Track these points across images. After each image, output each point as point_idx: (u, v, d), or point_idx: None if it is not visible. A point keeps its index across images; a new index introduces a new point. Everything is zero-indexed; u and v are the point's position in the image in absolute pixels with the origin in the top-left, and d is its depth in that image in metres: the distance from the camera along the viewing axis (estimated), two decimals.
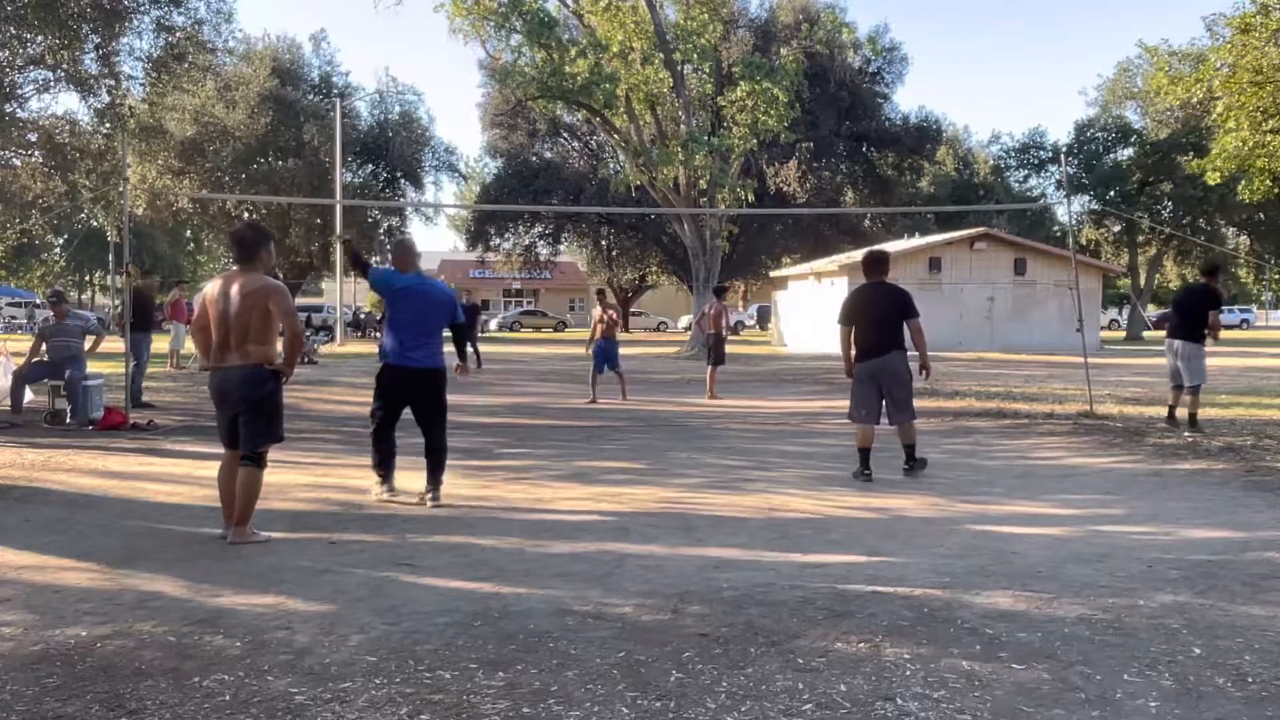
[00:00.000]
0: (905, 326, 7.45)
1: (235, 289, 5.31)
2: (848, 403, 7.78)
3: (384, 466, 6.64)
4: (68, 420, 10.43)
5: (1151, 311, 50.99)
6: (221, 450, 5.66)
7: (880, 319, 7.47)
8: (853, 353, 7.58)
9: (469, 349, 22.40)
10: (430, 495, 6.47)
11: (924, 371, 7.60)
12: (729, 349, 15.70)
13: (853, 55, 39.71)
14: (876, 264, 7.66)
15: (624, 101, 26.91)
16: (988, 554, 5.08)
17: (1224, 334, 11.53)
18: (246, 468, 5.31)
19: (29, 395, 11.08)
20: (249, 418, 5.33)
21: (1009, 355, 26.09)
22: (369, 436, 6.76)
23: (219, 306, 5.33)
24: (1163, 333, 10.83)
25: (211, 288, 5.46)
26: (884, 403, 7.52)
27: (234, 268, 5.50)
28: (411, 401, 6.58)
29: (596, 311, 14.33)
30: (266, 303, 5.30)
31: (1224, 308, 52.09)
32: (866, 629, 3.85)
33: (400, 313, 6.51)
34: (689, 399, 14.44)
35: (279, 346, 5.53)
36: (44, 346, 10.71)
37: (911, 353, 7.50)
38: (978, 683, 3.30)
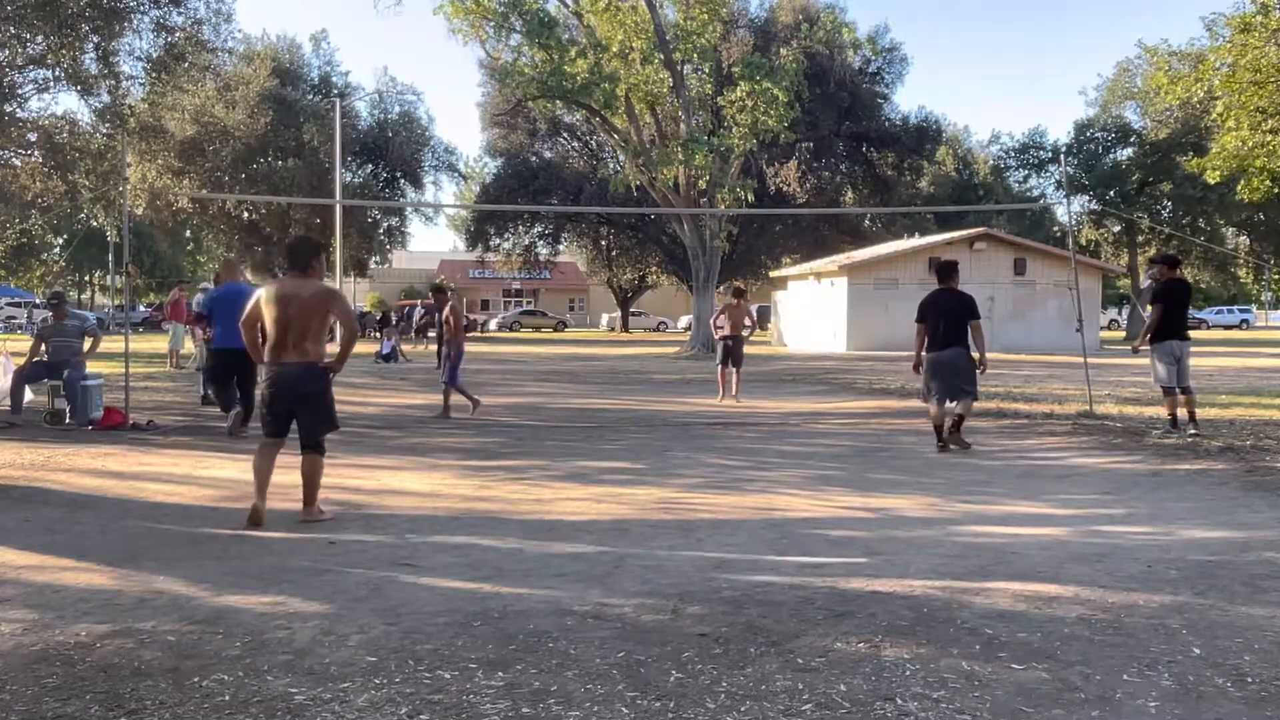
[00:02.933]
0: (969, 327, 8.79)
1: (297, 293, 5.75)
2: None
3: (228, 406, 9.87)
4: (67, 420, 10.43)
5: (1149, 312, 50.88)
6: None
7: (948, 319, 8.80)
8: (923, 347, 8.92)
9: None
10: (237, 425, 9.54)
11: (981, 366, 8.90)
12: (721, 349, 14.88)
13: (853, 55, 39.69)
14: (947, 273, 9.06)
15: (624, 101, 26.90)
16: (988, 554, 5.08)
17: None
18: (310, 455, 5.84)
19: (29, 395, 11.08)
20: (307, 411, 5.84)
21: (1009, 355, 26.07)
22: (214, 398, 10.15)
23: (278, 308, 5.73)
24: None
25: (269, 291, 5.88)
26: (948, 386, 8.80)
27: (287, 274, 5.96)
28: (236, 370, 9.67)
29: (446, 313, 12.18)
30: (328, 305, 5.83)
31: (1224, 308, 51.93)
32: (866, 629, 3.85)
33: (222, 312, 9.67)
34: (689, 399, 14.43)
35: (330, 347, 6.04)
36: (44, 347, 10.70)
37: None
38: (978, 683, 3.30)
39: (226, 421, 9.79)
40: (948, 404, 8.89)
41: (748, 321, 14.21)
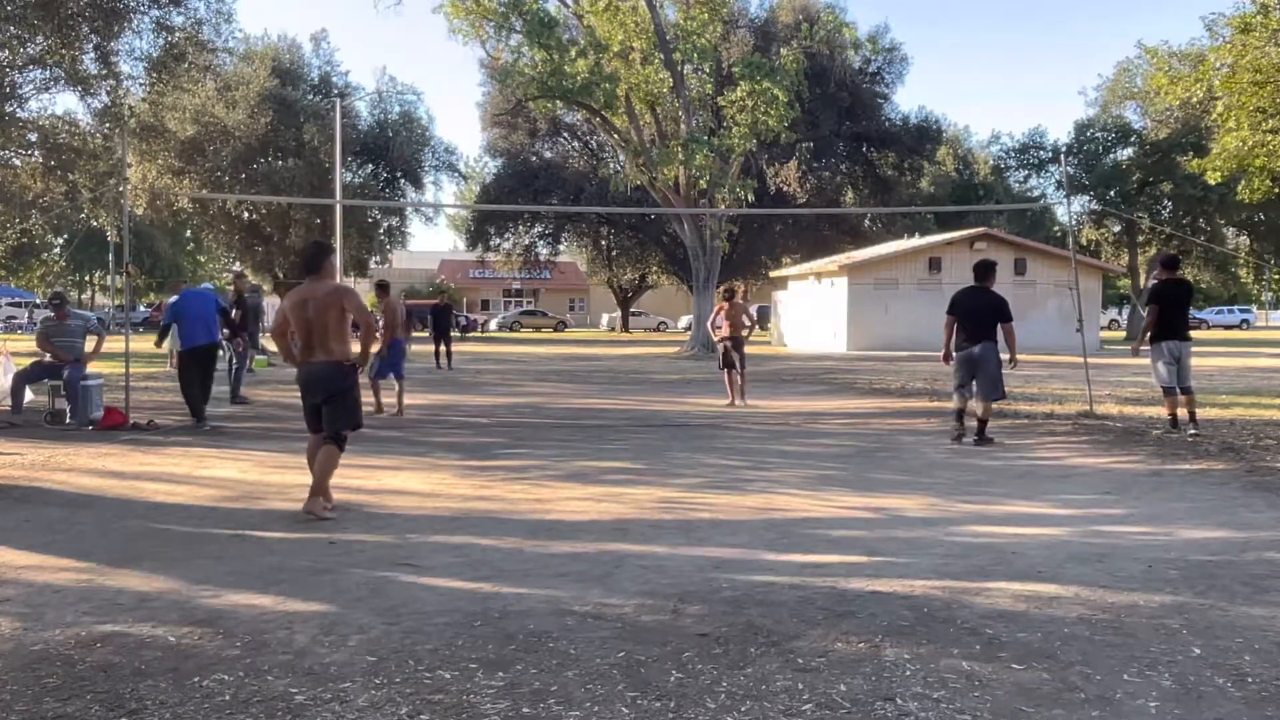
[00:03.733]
0: (1000, 327, 9.17)
1: (312, 294, 6.09)
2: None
3: (199, 411, 10.34)
4: (67, 420, 10.43)
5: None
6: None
7: (978, 317, 9.21)
8: (952, 340, 9.36)
9: (442, 348, 22.22)
10: (198, 422, 10.28)
11: (1012, 362, 9.31)
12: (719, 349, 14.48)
13: (853, 55, 39.70)
14: (985, 272, 9.43)
15: (624, 101, 26.91)
16: (988, 554, 5.08)
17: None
18: (328, 446, 6.13)
19: (29, 395, 11.08)
20: (332, 406, 6.15)
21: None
22: (187, 402, 10.50)
23: (300, 313, 6.08)
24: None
25: (289, 299, 6.26)
26: (974, 382, 9.27)
27: (304, 280, 6.27)
28: (199, 364, 10.47)
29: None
30: (341, 301, 6.14)
31: (1224, 308, 51.62)
32: (866, 629, 3.85)
33: (185, 315, 10.48)
34: (689, 399, 14.43)
35: (355, 345, 6.42)
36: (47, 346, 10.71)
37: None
38: (978, 683, 3.30)
39: (205, 425, 10.29)
40: (971, 400, 9.44)
41: (746, 321, 13.74)
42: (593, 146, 46.04)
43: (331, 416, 6.15)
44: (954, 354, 9.42)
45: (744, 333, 13.59)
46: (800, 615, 4.03)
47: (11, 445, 8.97)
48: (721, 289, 14.92)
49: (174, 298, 11.04)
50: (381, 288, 13.02)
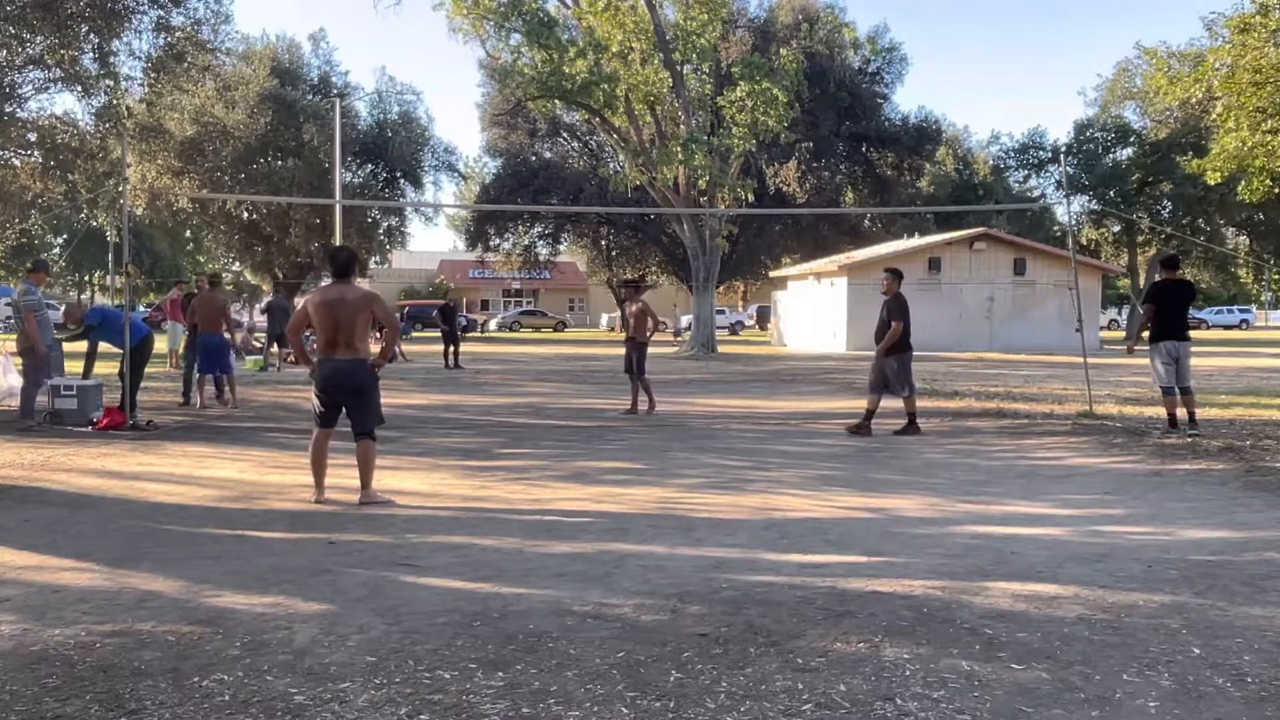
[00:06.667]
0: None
1: (343, 297, 6.36)
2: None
3: (132, 404, 10.45)
4: (40, 421, 10.32)
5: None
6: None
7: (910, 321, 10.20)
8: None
9: (450, 348, 22.25)
10: (133, 420, 10.21)
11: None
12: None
13: (852, 55, 39.68)
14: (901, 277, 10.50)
15: (623, 101, 26.91)
16: (988, 554, 5.08)
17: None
18: (363, 442, 6.45)
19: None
20: (358, 404, 6.44)
21: (1008, 355, 26.09)
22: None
23: (330, 313, 6.31)
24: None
25: (314, 298, 6.51)
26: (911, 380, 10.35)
27: (330, 281, 6.62)
28: (135, 358, 10.62)
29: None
30: (370, 307, 6.44)
31: (1224, 308, 51.69)
32: (866, 629, 3.85)
33: (108, 325, 10.98)
34: (688, 399, 14.43)
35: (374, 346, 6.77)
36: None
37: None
38: (977, 683, 3.30)
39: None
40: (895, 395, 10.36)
41: (650, 323, 12.23)
42: (592, 146, 46.00)
43: (361, 416, 6.45)
44: (899, 358, 10.26)
45: (647, 334, 12.20)
46: (800, 615, 4.03)
47: (11, 445, 8.97)
48: (624, 282, 13.67)
49: (92, 310, 11.61)
50: (212, 281, 13.50)
